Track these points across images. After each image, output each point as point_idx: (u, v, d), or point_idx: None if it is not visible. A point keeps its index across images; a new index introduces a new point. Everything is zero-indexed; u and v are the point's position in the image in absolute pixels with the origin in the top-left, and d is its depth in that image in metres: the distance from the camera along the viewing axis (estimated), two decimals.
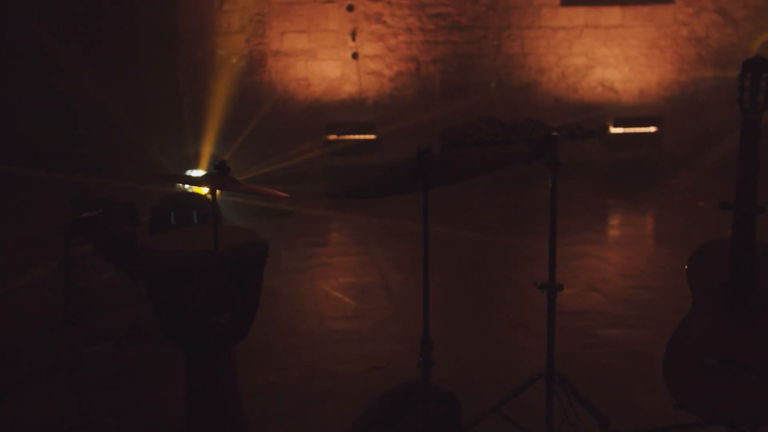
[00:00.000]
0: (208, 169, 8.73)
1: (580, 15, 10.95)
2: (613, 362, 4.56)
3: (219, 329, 2.90)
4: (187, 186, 6.49)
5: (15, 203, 8.71)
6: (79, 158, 8.46)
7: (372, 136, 10.41)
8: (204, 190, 6.30)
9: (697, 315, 3.49)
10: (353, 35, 10.71)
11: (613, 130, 10.37)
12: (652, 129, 10.33)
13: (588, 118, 10.49)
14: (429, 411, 2.86)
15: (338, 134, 10.30)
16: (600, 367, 4.49)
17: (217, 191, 2.96)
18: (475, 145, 3.04)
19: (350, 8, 10.59)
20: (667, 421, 3.67)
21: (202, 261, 3.08)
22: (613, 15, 11.00)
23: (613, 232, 7.95)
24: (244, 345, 4.24)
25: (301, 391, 4.21)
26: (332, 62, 10.80)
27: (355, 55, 10.71)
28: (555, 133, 3.34)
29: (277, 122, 10.42)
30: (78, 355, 3.03)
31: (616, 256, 6.97)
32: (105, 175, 8.26)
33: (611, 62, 11.09)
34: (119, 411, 3.56)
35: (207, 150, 9.52)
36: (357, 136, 10.36)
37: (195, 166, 8.87)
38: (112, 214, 3.15)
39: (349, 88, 10.82)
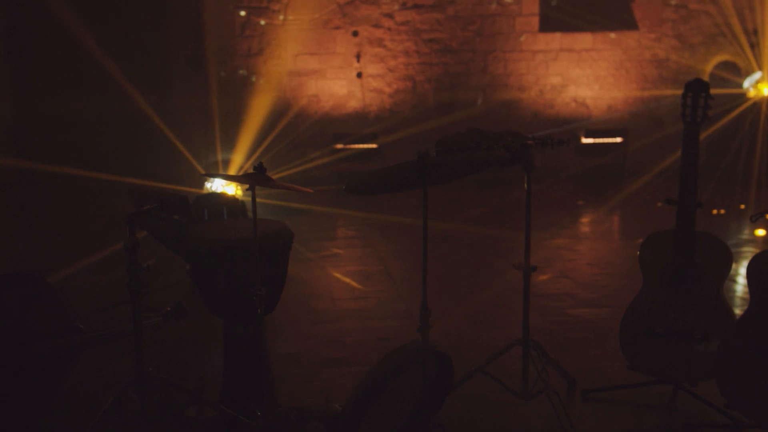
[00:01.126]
0: (237, 172, 8.89)
1: (556, 40, 10.97)
2: (580, 335, 4.62)
3: (257, 299, 3.12)
4: (215, 187, 6.67)
5: (68, 201, 8.71)
6: (121, 162, 8.49)
7: (374, 145, 10.41)
8: (230, 191, 6.49)
9: (647, 292, 3.64)
10: (358, 57, 10.70)
11: (584, 140, 10.37)
12: (618, 139, 10.33)
13: (562, 130, 10.46)
14: (427, 366, 2.97)
15: (344, 143, 10.31)
16: (569, 339, 4.55)
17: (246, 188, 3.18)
18: (464, 150, 3.16)
19: (355, 33, 10.60)
20: (624, 381, 3.77)
21: (243, 245, 3.25)
22: (585, 40, 11.02)
23: (583, 228, 7.93)
24: (269, 320, 4.39)
25: (318, 356, 4.28)
26: (339, 81, 10.77)
27: (359, 75, 10.72)
28: (529, 142, 3.45)
29: (291, 133, 10.38)
30: (139, 322, 3.19)
31: (584, 248, 7.04)
32: (143, 176, 8.37)
33: (583, 81, 11.10)
34: (169, 371, 3.65)
35: (232, 157, 9.53)
36: (361, 146, 10.36)
37: (219, 170, 9.05)
38: (167, 207, 3.33)
39: (354, 104, 10.80)
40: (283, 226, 3.50)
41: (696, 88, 3.60)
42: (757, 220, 7.61)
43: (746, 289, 3.38)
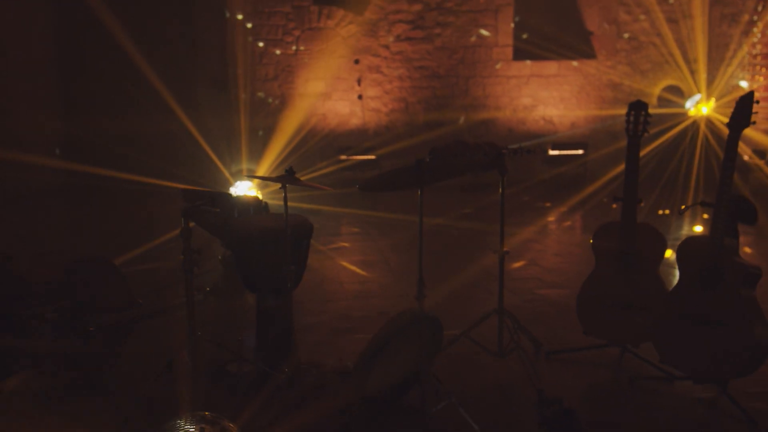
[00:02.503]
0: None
1: (527, 67, 10.86)
2: (546, 310, 4.78)
3: (288, 275, 3.32)
4: (240, 191, 6.71)
5: (115, 202, 8.70)
6: (155, 169, 8.51)
7: (372, 157, 10.29)
8: (252, 193, 6.51)
9: (598, 272, 3.81)
10: (359, 82, 10.60)
11: (551, 152, 10.21)
12: (580, 151, 10.19)
13: (532, 143, 10.35)
14: (422, 327, 3.16)
15: (347, 155, 10.20)
16: (537, 313, 4.70)
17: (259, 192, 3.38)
18: (451, 157, 3.34)
19: (357, 62, 10.50)
20: (579, 344, 3.95)
21: (275, 232, 3.37)
22: (551, 67, 10.91)
23: (550, 225, 7.93)
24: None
25: (330, 328, 4.40)
26: (343, 102, 10.66)
27: (360, 97, 10.62)
28: (503, 151, 3.59)
29: (303, 146, 10.27)
30: (191, 295, 3.29)
31: (551, 241, 7.09)
32: (180, 181, 8.37)
33: (550, 102, 10.97)
34: (212, 337, 3.74)
35: (249, 167, 9.55)
36: (361, 157, 10.26)
37: (242, 178, 9.12)
38: (214, 202, 3.46)
39: (355, 121, 10.71)
40: (304, 219, 3.64)
41: (637, 108, 3.75)
42: (683, 213, 7.87)
43: None
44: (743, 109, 3.26)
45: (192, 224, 3.35)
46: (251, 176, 3.83)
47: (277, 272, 3.30)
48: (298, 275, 3.56)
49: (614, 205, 3.87)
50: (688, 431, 3.15)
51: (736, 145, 3.26)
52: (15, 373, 3.18)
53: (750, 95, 3.24)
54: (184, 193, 3.53)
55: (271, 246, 3.39)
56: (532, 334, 4.01)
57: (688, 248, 3.38)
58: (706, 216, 7.53)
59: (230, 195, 3.40)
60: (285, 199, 3.18)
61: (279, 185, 3.25)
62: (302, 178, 3.43)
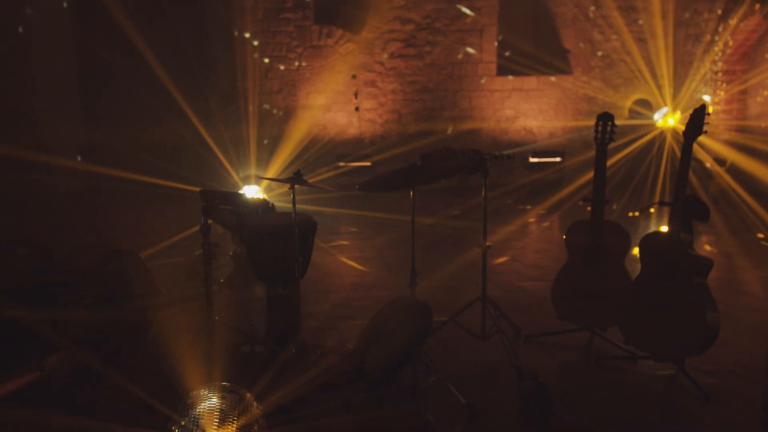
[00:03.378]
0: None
1: (509, 82, 10.92)
2: (525, 300, 4.90)
3: (297, 266, 3.44)
4: (248, 194, 6.81)
5: (136, 204, 8.69)
6: (172, 174, 8.47)
7: (368, 163, 10.32)
8: (259, 195, 6.61)
9: (570, 264, 3.96)
10: (356, 95, 10.65)
11: (531, 159, 10.24)
12: (558, 159, 10.23)
13: (513, 151, 10.34)
14: (414, 312, 3.29)
15: (345, 162, 10.24)
16: (517, 302, 4.80)
17: (259, 193, 3.52)
18: (440, 161, 3.46)
19: (354, 76, 10.56)
20: (554, 329, 4.08)
21: (284, 228, 3.50)
22: (531, 82, 10.95)
23: (531, 226, 8.01)
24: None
25: (332, 315, 4.51)
26: (341, 113, 10.70)
27: (357, 109, 10.67)
28: (486, 156, 3.73)
29: (305, 154, 10.29)
30: (210, 282, 3.41)
31: (530, 239, 7.17)
32: (194, 184, 8.43)
33: (531, 114, 11.01)
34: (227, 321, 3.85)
35: (255, 172, 9.76)
36: (358, 163, 10.27)
37: (250, 183, 9.19)
38: (230, 201, 3.58)
39: (352, 131, 10.75)
40: (310, 217, 3.78)
41: (604, 119, 3.87)
42: (643, 211, 8.00)
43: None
44: (696, 120, 3.42)
45: (210, 221, 3.49)
46: (265, 178, 3.93)
47: (286, 264, 3.44)
48: (304, 266, 3.69)
49: (580, 203, 3.98)
50: (650, 405, 3.27)
51: (691, 152, 3.42)
52: (54, 353, 3.30)
53: (702, 108, 3.41)
54: (202, 193, 3.63)
55: (280, 241, 3.51)
56: (512, 320, 4.11)
57: (649, 243, 3.52)
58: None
59: (243, 195, 3.48)
60: (293, 198, 3.32)
61: (284, 189, 3.39)
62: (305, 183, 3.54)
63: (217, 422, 2.45)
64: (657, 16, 10.61)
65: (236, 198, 3.46)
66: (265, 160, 10.09)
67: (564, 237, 4.02)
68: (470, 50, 10.90)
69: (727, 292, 5.03)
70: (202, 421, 2.47)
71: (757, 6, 8.61)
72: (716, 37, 9.80)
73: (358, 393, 3.23)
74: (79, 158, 9.79)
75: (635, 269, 3.63)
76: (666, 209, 7.82)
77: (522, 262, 6.06)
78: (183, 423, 2.46)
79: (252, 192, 6.63)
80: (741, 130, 9.38)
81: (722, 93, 9.71)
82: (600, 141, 3.87)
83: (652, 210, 8.26)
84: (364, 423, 3.02)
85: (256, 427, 2.51)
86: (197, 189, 3.77)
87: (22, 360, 3.22)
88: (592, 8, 10.73)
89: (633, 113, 10.74)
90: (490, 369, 3.66)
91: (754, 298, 4.88)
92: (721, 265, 5.82)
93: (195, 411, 2.50)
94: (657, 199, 8.40)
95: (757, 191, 8.28)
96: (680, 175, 3.41)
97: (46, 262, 3.32)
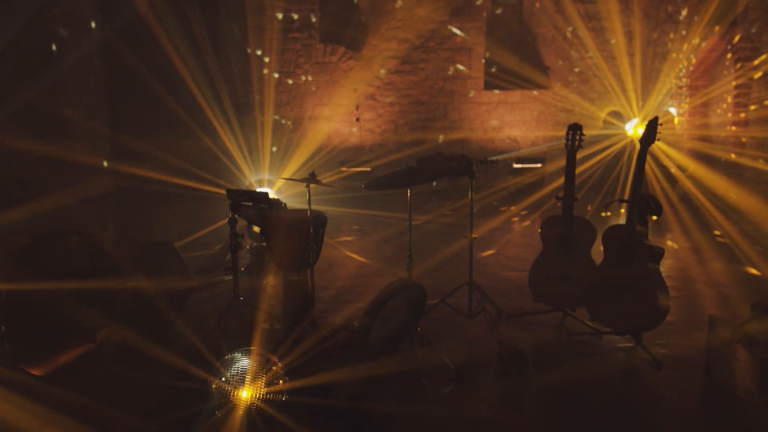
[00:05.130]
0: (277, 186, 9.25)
1: (495, 95, 11.05)
2: (507, 287, 5.07)
3: (311, 254, 3.70)
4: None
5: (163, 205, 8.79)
6: (195, 175, 8.74)
7: (368, 168, 10.42)
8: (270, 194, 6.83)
9: (544, 253, 4.20)
10: (357, 107, 10.76)
11: (515, 165, 10.38)
12: (539, 165, 10.36)
13: (498, 157, 10.52)
14: (410, 293, 3.52)
15: (347, 167, 10.38)
16: (500, 288, 5.00)
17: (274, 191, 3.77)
18: (433, 164, 3.77)
19: (355, 90, 10.69)
20: (533, 309, 4.32)
21: (299, 221, 3.73)
22: (515, 95, 11.08)
23: (514, 225, 8.06)
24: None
25: (339, 299, 4.72)
26: (344, 123, 10.80)
27: (358, 119, 10.79)
28: (473, 161, 4.00)
29: (311, 160, 10.41)
30: (236, 268, 3.67)
31: (513, 235, 7.29)
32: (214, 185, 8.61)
33: (515, 124, 11.14)
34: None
35: (271, 177, 9.90)
36: (358, 168, 10.39)
37: (263, 185, 9.41)
38: (254, 199, 3.86)
39: (354, 140, 10.85)
40: (321, 213, 4.02)
41: (574, 129, 4.15)
42: (606, 208, 8.21)
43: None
44: (650, 130, 3.73)
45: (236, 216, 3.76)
46: (287, 179, 4.17)
47: (301, 252, 3.70)
48: (317, 254, 3.93)
49: (558, 204, 4.24)
50: (612, 371, 3.53)
51: (645, 156, 3.72)
52: (103, 329, 3.56)
53: (655, 120, 3.72)
54: (229, 192, 3.89)
55: (296, 232, 3.76)
56: (495, 302, 4.39)
57: (610, 234, 3.80)
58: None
59: (266, 193, 3.71)
60: (309, 195, 3.59)
61: (294, 191, 3.64)
62: (312, 185, 3.78)
63: (249, 378, 2.75)
64: (628, 36, 10.86)
65: (259, 196, 3.68)
66: (275, 165, 10.26)
67: (539, 230, 4.27)
68: (460, 67, 11.04)
69: (685, 280, 5.28)
70: (237, 377, 2.76)
71: (717, 28, 8.90)
72: (680, 56, 10.07)
73: (364, 359, 3.47)
74: (105, 163, 9.96)
75: (600, 257, 3.87)
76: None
77: (505, 255, 6.27)
78: (223, 379, 2.75)
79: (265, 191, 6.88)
80: (703, 139, 9.60)
81: (686, 106, 9.96)
82: (570, 148, 4.14)
83: (622, 210, 8.53)
84: (367, 382, 3.25)
85: (280, 382, 2.80)
86: (218, 191, 4.01)
87: (79, 333, 3.48)
88: (570, 29, 10.95)
89: (607, 123, 10.96)
90: (476, 342, 3.89)
91: (706, 285, 5.13)
92: (682, 258, 6.09)
93: (230, 371, 2.79)
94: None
95: (714, 194, 8.53)
96: (636, 177, 3.70)
97: (97, 250, 3.56)
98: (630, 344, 3.82)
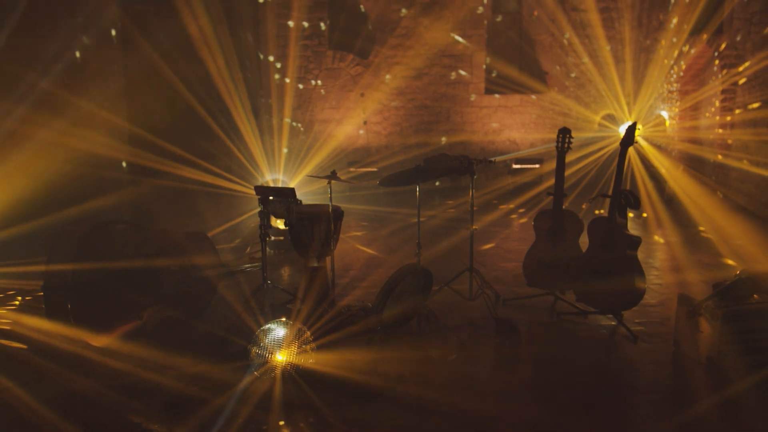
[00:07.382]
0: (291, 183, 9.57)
1: (495, 99, 11.32)
2: (505, 276, 5.40)
3: (331, 242, 4.13)
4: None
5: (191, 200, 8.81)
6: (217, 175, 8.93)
7: (375, 168, 10.78)
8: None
9: (536, 243, 4.56)
10: (364, 110, 11.09)
11: (515, 166, 10.61)
12: (537, 165, 10.62)
13: (500, 159, 10.83)
14: (418, 275, 3.91)
15: (355, 167, 10.69)
16: (498, 277, 5.33)
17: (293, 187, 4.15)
18: (438, 163, 4.08)
19: (362, 95, 11.05)
20: (527, 294, 4.67)
21: (319, 214, 4.10)
22: (515, 99, 11.37)
23: (513, 220, 8.27)
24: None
25: (351, 286, 5.08)
26: (352, 126, 11.12)
27: (365, 122, 11.12)
28: (474, 161, 4.37)
29: (322, 161, 10.77)
30: (265, 255, 4.08)
31: (511, 230, 7.57)
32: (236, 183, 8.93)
33: (514, 127, 11.42)
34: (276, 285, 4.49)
35: (282, 177, 10.43)
36: (366, 168, 10.72)
37: (278, 185, 9.75)
38: (280, 194, 4.30)
39: (361, 141, 11.17)
40: (337, 207, 4.38)
41: (564, 132, 4.49)
42: (593, 201, 8.51)
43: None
44: (629, 134, 4.16)
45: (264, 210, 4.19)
46: (311, 176, 4.52)
47: (321, 241, 4.12)
48: (334, 244, 4.36)
49: (549, 197, 4.61)
50: (596, 346, 3.90)
51: (626, 157, 4.15)
52: (149, 307, 4.01)
53: (633, 125, 4.15)
54: (257, 188, 4.32)
55: (316, 224, 4.17)
56: (494, 287, 4.75)
57: (594, 225, 4.21)
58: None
59: (291, 189, 4.05)
60: (330, 191, 4.01)
61: (308, 188, 4.01)
62: (322, 184, 4.15)
63: (284, 344, 3.21)
64: (621, 43, 11.23)
65: (285, 191, 4.09)
66: (288, 166, 10.63)
67: (532, 222, 4.67)
68: (462, 72, 11.33)
69: (668, 270, 5.67)
70: (273, 344, 3.22)
71: (704, 36, 9.28)
72: (671, 62, 10.44)
73: (378, 336, 3.85)
74: (124, 164, 10.28)
75: (586, 246, 4.23)
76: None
77: (504, 248, 6.61)
78: (261, 345, 3.21)
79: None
80: (693, 141, 9.95)
81: (676, 109, 10.30)
82: (560, 149, 4.52)
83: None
84: (381, 353, 3.65)
85: (308, 347, 3.26)
86: (239, 189, 4.37)
87: (128, 310, 3.93)
88: (566, 37, 11.30)
89: (602, 126, 11.30)
90: (476, 321, 4.26)
91: (687, 275, 5.53)
92: (667, 251, 6.48)
93: (267, 338, 3.25)
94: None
95: (701, 193, 8.90)
96: (617, 174, 4.13)
97: (144, 238, 4.00)
98: (612, 323, 4.18)
